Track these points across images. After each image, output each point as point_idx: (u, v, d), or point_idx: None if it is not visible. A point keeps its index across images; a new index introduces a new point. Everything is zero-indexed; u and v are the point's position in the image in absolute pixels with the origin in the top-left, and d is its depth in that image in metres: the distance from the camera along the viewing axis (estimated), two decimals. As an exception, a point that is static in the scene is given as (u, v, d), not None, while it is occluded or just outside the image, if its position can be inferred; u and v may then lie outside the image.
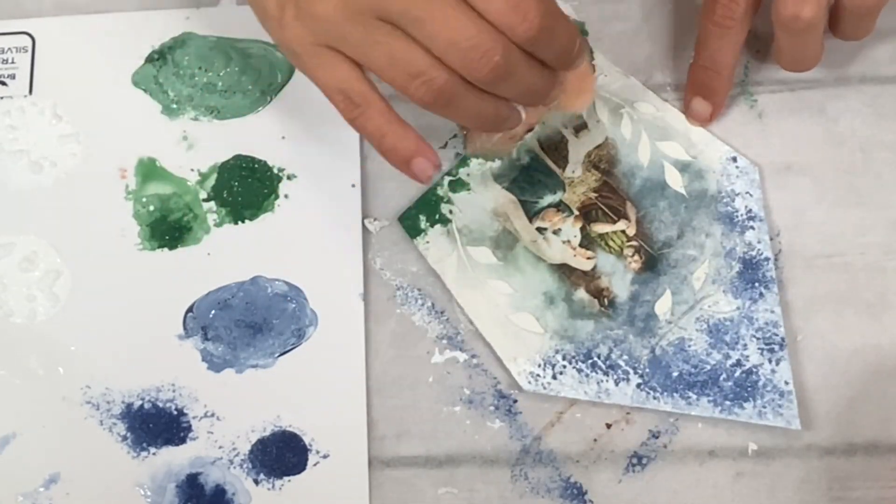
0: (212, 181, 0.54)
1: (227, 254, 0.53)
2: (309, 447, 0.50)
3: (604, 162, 0.53)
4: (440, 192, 0.53)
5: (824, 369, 0.50)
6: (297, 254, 0.53)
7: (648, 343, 0.50)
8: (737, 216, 0.52)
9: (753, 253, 0.51)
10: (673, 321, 0.51)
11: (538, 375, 0.50)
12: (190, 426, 0.51)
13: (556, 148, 0.54)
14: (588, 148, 0.54)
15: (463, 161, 0.54)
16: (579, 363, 0.50)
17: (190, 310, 0.52)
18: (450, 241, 0.53)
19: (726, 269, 0.51)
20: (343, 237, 0.53)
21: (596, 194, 0.53)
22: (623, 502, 0.49)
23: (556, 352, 0.51)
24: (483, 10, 0.42)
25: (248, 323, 0.52)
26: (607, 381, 0.50)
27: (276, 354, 0.52)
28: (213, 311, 0.52)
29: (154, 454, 0.51)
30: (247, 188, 0.54)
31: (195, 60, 0.56)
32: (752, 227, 0.52)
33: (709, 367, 0.50)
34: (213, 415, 0.51)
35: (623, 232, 0.52)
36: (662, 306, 0.51)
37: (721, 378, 0.50)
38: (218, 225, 0.54)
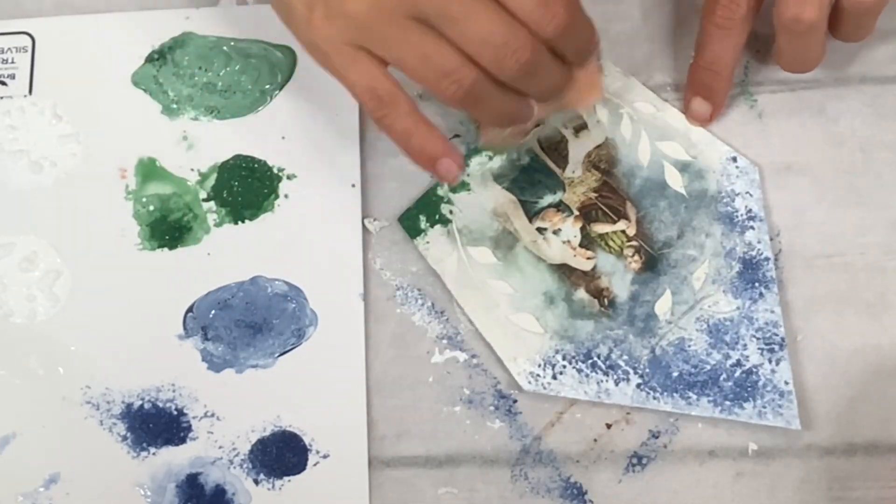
0: (212, 181, 0.54)
1: (227, 254, 0.53)
2: (309, 447, 0.50)
3: (604, 162, 0.53)
4: (440, 192, 0.53)
5: (824, 369, 0.50)
6: (297, 254, 0.53)
7: (648, 343, 0.50)
8: (737, 216, 0.52)
9: (753, 253, 0.51)
10: (673, 321, 0.51)
11: (538, 375, 0.50)
12: (190, 426, 0.51)
13: (556, 148, 0.54)
14: (588, 148, 0.54)
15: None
16: (579, 363, 0.50)
17: (190, 310, 0.52)
18: (450, 241, 0.53)
19: (726, 269, 0.51)
20: (343, 237, 0.53)
21: (596, 194, 0.53)
22: (623, 502, 0.49)
23: (556, 352, 0.51)
24: (514, 9, 0.43)
25: (248, 323, 0.52)
26: (607, 381, 0.50)
27: (276, 354, 0.52)
28: (213, 311, 0.52)
29: (154, 454, 0.51)
30: (247, 188, 0.54)
31: (195, 60, 0.56)
32: (752, 227, 0.52)
33: (709, 367, 0.50)
34: (213, 415, 0.51)
35: (623, 232, 0.52)
36: (662, 306, 0.51)
37: (721, 378, 0.50)
38: (218, 225, 0.54)
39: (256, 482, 0.50)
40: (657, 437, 0.50)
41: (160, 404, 0.51)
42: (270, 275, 0.53)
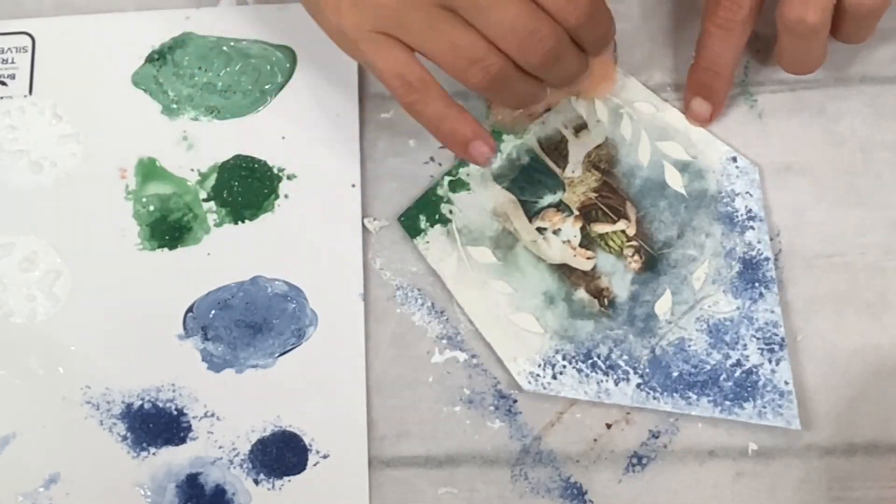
0: (212, 181, 0.54)
1: (227, 254, 0.53)
2: (309, 447, 0.50)
3: (604, 162, 0.53)
4: (440, 191, 0.53)
5: (824, 369, 0.50)
6: (297, 254, 0.53)
7: (648, 343, 0.50)
8: (737, 216, 0.52)
9: (753, 253, 0.51)
10: (673, 321, 0.51)
11: (538, 375, 0.50)
12: (190, 426, 0.51)
13: (556, 148, 0.54)
14: (588, 148, 0.54)
15: (463, 161, 0.54)
16: (579, 363, 0.50)
17: (190, 310, 0.52)
18: (450, 241, 0.53)
19: (726, 269, 0.51)
20: (343, 237, 0.53)
21: (596, 194, 0.53)
22: (623, 502, 0.49)
23: (556, 352, 0.51)
24: None
25: (248, 323, 0.52)
26: (607, 381, 0.50)
27: (276, 354, 0.52)
28: (213, 311, 0.52)
29: (154, 454, 0.51)
30: (247, 188, 0.54)
31: (195, 60, 0.56)
32: (752, 227, 0.52)
33: (709, 367, 0.50)
34: (213, 415, 0.51)
35: (623, 232, 0.52)
36: (662, 306, 0.51)
37: (721, 378, 0.50)
38: (218, 225, 0.54)
39: (256, 482, 0.50)
40: (657, 437, 0.50)
41: (160, 404, 0.51)
42: (270, 275, 0.53)
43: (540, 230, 0.52)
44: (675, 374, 0.50)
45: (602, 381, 0.50)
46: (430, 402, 0.51)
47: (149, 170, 0.55)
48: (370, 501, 0.50)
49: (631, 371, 0.50)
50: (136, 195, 0.54)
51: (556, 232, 0.52)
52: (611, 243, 0.52)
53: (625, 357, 0.50)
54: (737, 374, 0.50)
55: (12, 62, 0.57)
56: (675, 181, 0.53)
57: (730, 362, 0.50)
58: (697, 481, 0.49)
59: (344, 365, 0.51)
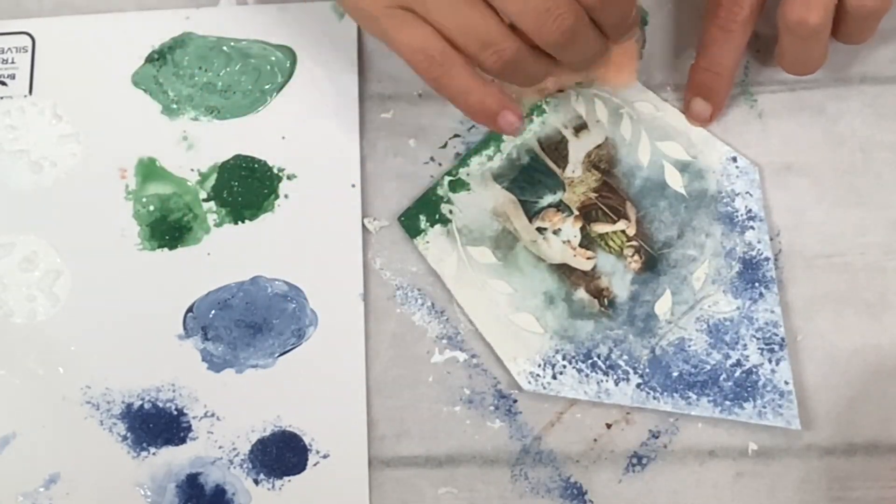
0: (212, 181, 0.54)
1: (227, 254, 0.53)
2: (309, 447, 0.50)
3: (604, 162, 0.53)
4: (440, 191, 0.53)
5: (824, 369, 0.50)
6: (297, 254, 0.53)
7: (648, 343, 0.50)
8: (737, 216, 0.52)
9: (753, 253, 0.51)
10: (673, 321, 0.51)
11: (538, 375, 0.50)
12: (190, 426, 0.51)
13: (556, 148, 0.54)
14: (588, 148, 0.54)
15: (463, 161, 0.54)
16: (579, 363, 0.50)
17: (190, 310, 0.52)
18: (450, 240, 0.53)
19: (726, 269, 0.51)
20: (343, 237, 0.53)
21: (596, 194, 0.53)
22: (623, 502, 0.49)
23: (556, 352, 0.51)
24: None
25: (248, 323, 0.52)
26: (607, 381, 0.50)
27: (276, 354, 0.52)
28: (213, 311, 0.52)
29: (154, 454, 0.51)
30: (247, 188, 0.54)
31: (195, 60, 0.56)
32: (752, 227, 0.52)
33: (709, 367, 0.50)
34: (213, 415, 0.51)
35: (623, 232, 0.52)
36: (662, 306, 0.51)
37: (721, 378, 0.50)
38: (218, 225, 0.54)
39: (256, 482, 0.50)
40: (657, 437, 0.50)
41: (160, 404, 0.51)
42: (270, 275, 0.53)
43: (540, 230, 0.52)
44: (675, 374, 0.50)
45: (602, 381, 0.50)
46: (430, 402, 0.51)
47: (149, 170, 0.55)
48: (370, 501, 0.50)
49: (631, 371, 0.50)
50: (136, 195, 0.54)
51: (556, 232, 0.52)
52: (611, 243, 0.52)
53: (625, 357, 0.50)
54: (737, 374, 0.50)
55: (12, 62, 0.56)
56: (675, 181, 0.53)
57: (730, 362, 0.50)
58: (697, 481, 0.49)
59: (344, 365, 0.51)
